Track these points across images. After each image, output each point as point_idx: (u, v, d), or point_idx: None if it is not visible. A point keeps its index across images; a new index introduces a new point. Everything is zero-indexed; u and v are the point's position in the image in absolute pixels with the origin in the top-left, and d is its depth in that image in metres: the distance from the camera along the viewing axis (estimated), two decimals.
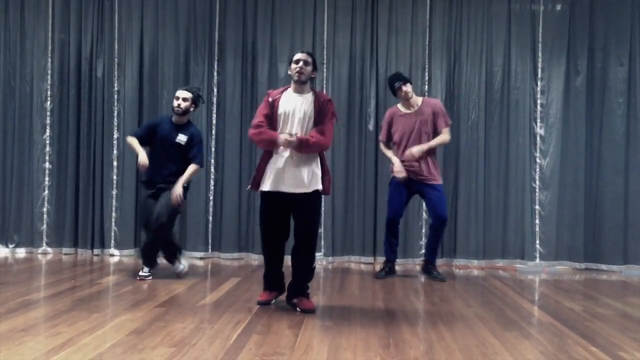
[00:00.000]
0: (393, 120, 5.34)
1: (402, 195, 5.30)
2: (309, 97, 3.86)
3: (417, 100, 5.32)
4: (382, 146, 5.49)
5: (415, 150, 5.13)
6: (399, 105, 5.37)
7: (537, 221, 6.28)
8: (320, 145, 3.80)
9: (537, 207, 6.29)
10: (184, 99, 4.92)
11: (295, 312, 3.85)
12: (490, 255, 6.26)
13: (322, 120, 3.81)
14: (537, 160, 6.32)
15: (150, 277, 4.96)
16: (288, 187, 3.78)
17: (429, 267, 5.44)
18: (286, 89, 3.96)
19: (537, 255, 6.26)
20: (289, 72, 3.91)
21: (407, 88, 5.21)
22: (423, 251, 6.25)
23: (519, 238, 6.27)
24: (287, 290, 4.04)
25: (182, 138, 4.92)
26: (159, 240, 4.92)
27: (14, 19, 6.55)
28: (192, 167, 4.93)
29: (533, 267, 6.19)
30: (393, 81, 5.29)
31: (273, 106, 3.85)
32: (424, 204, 6.30)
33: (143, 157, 4.83)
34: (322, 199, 4.14)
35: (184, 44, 6.45)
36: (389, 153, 5.38)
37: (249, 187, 4.00)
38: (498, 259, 6.26)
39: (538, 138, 6.32)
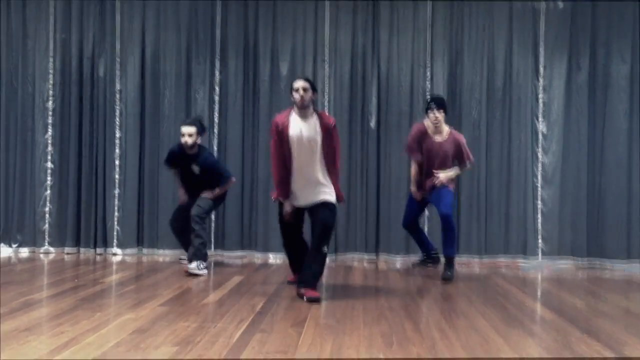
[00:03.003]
0: (421, 139, 5.20)
1: (414, 204, 5.45)
2: (313, 122, 4.24)
3: (445, 129, 5.20)
4: (415, 167, 5.35)
5: (443, 177, 5.13)
6: (427, 125, 5.20)
7: (540, 218, 6.27)
8: (337, 176, 4.42)
9: (539, 203, 6.28)
10: (190, 135, 5.20)
11: (299, 310, 3.85)
12: (493, 252, 6.26)
13: (330, 145, 4.26)
14: (539, 157, 6.31)
15: (205, 272, 5.17)
16: (302, 203, 4.38)
17: (446, 265, 5.20)
18: (290, 112, 4.30)
19: (540, 251, 6.25)
20: (292, 99, 4.25)
21: (439, 115, 5.09)
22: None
23: (522, 235, 6.26)
24: (297, 282, 4.39)
25: (195, 169, 5.34)
26: (190, 226, 5.22)
27: (16, 19, 6.56)
28: (228, 181, 5.47)
29: (536, 264, 6.18)
30: (430, 101, 5.21)
31: (283, 133, 4.22)
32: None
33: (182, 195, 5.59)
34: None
35: (185, 43, 6.45)
36: (414, 176, 5.38)
37: (273, 198, 4.54)
38: (500, 256, 6.25)
39: (540, 135, 6.31)
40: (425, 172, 5.26)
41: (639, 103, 6.19)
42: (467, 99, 6.32)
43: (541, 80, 6.32)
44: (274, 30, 6.42)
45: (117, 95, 6.45)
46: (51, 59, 6.53)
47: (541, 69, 6.32)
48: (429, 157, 5.20)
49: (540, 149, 6.31)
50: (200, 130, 5.30)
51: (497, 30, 6.34)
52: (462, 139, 5.27)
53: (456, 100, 6.33)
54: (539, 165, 6.31)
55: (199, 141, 5.32)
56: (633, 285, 5.27)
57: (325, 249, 4.24)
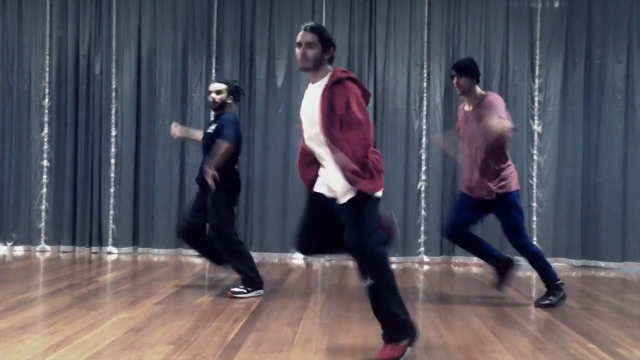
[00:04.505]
0: (458, 116, 4.45)
1: (464, 204, 4.32)
2: (319, 87, 2.92)
3: (477, 96, 4.23)
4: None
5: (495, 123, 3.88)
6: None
7: (535, 218, 6.28)
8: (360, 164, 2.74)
9: (534, 204, 6.29)
10: (218, 92, 4.48)
11: (294, 309, 3.84)
12: None
13: (333, 113, 2.79)
14: (535, 157, 6.32)
15: (246, 294, 4.22)
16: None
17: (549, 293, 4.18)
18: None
19: None
20: None
21: (462, 81, 4.19)
22: (422, 249, 6.27)
23: None
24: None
25: (212, 127, 4.49)
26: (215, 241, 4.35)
27: (12, 16, 6.53)
28: (217, 144, 4.26)
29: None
30: (452, 67, 4.37)
31: None
32: (422, 200, 6.33)
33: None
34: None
35: (181, 40, 6.44)
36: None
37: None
38: None
39: (535, 135, 6.31)
40: (467, 161, 4.26)
41: (634, 103, 6.21)
42: (463, 98, 6.31)
43: (537, 80, 6.33)
44: (271, 28, 6.41)
45: (113, 93, 6.44)
46: (47, 57, 6.51)
47: (537, 69, 6.33)
48: (463, 134, 4.29)
49: (535, 149, 6.32)
50: (233, 91, 4.56)
51: (494, 30, 6.35)
52: (497, 100, 4.12)
53: (452, 98, 6.33)
54: (534, 165, 6.32)
55: (229, 101, 4.52)
56: (628, 285, 5.29)
57: (368, 282, 2.81)
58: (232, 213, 4.51)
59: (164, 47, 6.43)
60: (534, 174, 6.31)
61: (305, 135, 2.96)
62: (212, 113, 4.73)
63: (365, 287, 2.82)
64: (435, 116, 6.32)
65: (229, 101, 4.54)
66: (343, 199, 2.79)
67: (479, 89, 4.25)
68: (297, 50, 2.92)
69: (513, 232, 4.16)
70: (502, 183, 4.10)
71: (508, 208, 4.13)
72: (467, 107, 4.29)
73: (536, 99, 6.32)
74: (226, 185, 4.31)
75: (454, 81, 4.25)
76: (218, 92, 4.50)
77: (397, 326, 2.83)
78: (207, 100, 6.36)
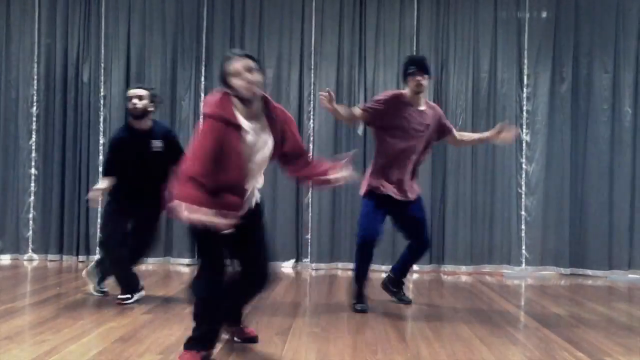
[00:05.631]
0: (397, 107, 4.10)
1: (374, 206, 4.21)
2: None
3: (423, 99, 4.23)
4: (357, 110, 4.19)
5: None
6: (407, 93, 4.16)
7: (523, 226, 6.32)
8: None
9: (523, 212, 6.32)
10: (139, 97, 4.12)
11: (283, 318, 3.83)
12: (478, 260, 6.28)
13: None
14: (523, 166, 6.36)
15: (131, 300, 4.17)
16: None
17: (397, 287, 4.56)
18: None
19: (523, 260, 6.29)
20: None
21: (425, 82, 4.09)
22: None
23: (506, 243, 6.30)
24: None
25: (156, 144, 4.15)
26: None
27: (0, 24, 6.49)
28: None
29: (519, 273, 6.22)
30: (410, 64, 4.16)
31: None
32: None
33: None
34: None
35: (171, 49, 6.43)
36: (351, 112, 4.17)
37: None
38: (485, 265, 6.28)
39: (524, 144, 6.36)
40: (398, 158, 4.15)
41: (620, 112, 6.27)
42: (453, 107, 6.36)
43: (525, 89, 6.38)
44: (260, 37, 6.42)
45: (102, 101, 6.41)
46: (35, 65, 6.47)
47: (525, 79, 6.38)
48: (406, 132, 4.10)
49: (524, 158, 6.36)
50: (154, 97, 4.19)
51: (482, 39, 6.40)
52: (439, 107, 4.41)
53: (441, 107, 6.34)
54: (523, 174, 6.36)
55: (151, 109, 4.16)
56: (615, 294, 5.32)
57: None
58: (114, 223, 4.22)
59: (152, 55, 6.42)
60: (523, 182, 6.35)
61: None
62: (134, 123, 4.20)
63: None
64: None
65: (151, 109, 4.17)
66: None
67: None
68: (249, 76, 2.65)
69: (425, 229, 4.37)
70: (418, 184, 4.38)
71: (423, 207, 4.40)
72: (421, 107, 4.16)
73: (524, 107, 6.37)
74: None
75: (417, 80, 4.06)
76: (140, 97, 4.13)
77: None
78: (196, 108, 6.40)
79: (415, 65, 4.11)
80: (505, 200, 6.32)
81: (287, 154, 2.91)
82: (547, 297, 4.96)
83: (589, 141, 6.30)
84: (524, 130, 6.36)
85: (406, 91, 4.16)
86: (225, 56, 2.77)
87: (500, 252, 6.29)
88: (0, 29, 6.50)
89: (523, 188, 6.34)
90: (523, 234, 6.31)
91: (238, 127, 2.67)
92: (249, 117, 2.71)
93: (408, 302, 4.48)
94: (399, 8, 6.41)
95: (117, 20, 6.45)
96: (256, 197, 2.96)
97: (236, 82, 2.66)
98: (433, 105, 4.34)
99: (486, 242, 6.33)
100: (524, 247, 6.30)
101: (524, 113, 6.37)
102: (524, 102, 6.38)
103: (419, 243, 4.38)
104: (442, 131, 4.33)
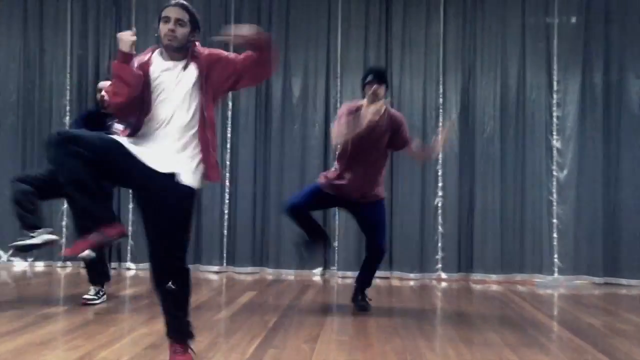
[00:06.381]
0: (357, 116, 4.14)
1: (315, 195, 4.35)
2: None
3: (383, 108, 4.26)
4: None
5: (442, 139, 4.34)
6: (365, 102, 4.23)
7: (555, 235, 6.21)
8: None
9: (554, 220, 6.22)
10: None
11: (312, 326, 3.82)
12: (508, 269, 6.19)
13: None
14: (554, 173, 6.26)
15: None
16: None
17: (358, 296, 4.55)
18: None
19: (556, 269, 6.18)
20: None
21: (380, 91, 4.18)
22: (439, 266, 6.22)
23: (537, 252, 6.20)
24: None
25: (118, 127, 4.24)
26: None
27: (34, 36, 6.66)
28: None
29: (552, 282, 6.11)
30: (368, 73, 4.29)
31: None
32: (439, 216, 6.28)
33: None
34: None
35: None
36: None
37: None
38: (516, 274, 6.18)
39: (555, 151, 6.27)
40: (355, 161, 4.22)
41: None
42: (481, 114, 6.31)
43: (555, 95, 6.30)
44: (286, 46, 6.46)
45: None
46: (68, 75, 6.62)
47: (555, 85, 6.30)
48: (362, 138, 4.12)
49: (554, 165, 6.26)
50: None
51: (510, 45, 6.34)
52: (402, 118, 4.40)
53: (469, 116, 6.33)
54: (554, 181, 6.26)
55: None
56: None
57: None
58: None
59: None
60: (554, 190, 6.24)
61: None
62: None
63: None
64: (451, 132, 6.30)
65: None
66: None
67: None
68: (170, 26, 2.70)
69: (384, 232, 4.41)
70: (382, 188, 4.40)
71: (383, 211, 4.40)
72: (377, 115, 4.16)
73: (555, 114, 6.28)
74: None
75: (373, 88, 4.15)
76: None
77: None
78: (223, 117, 6.45)
79: (373, 74, 4.23)
80: (535, 207, 6.23)
81: None
82: (580, 306, 4.86)
83: (621, 147, 6.17)
84: (555, 137, 6.27)
85: (364, 101, 4.25)
86: (168, 3, 2.78)
87: (532, 260, 6.19)
88: (34, 41, 6.66)
89: (554, 195, 6.24)
90: (555, 242, 6.20)
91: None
92: (168, 59, 2.73)
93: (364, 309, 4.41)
94: (424, 15, 6.40)
95: (147, 32, 6.55)
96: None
97: (161, 27, 2.72)
98: (393, 115, 4.32)
99: (517, 251, 6.23)
100: (556, 256, 6.19)
101: (554, 119, 6.29)
102: (554, 109, 6.29)
103: (372, 248, 4.40)
104: (398, 141, 4.31)
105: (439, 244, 6.25)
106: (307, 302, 4.76)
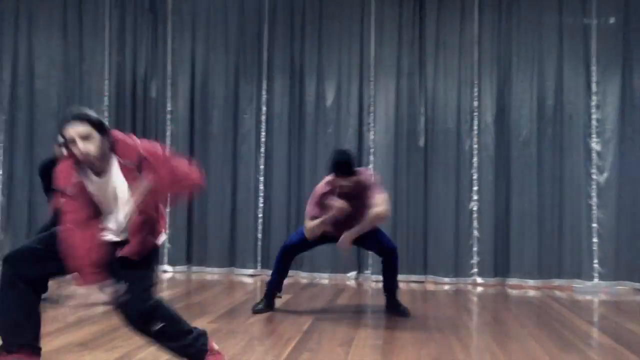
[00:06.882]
0: (327, 196, 4.18)
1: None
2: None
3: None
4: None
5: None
6: (333, 179, 4.16)
7: (595, 239, 6.06)
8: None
9: (594, 224, 6.07)
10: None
11: (346, 329, 3.82)
12: (546, 274, 6.06)
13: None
14: (594, 176, 6.12)
15: None
16: None
17: (393, 303, 4.48)
18: None
19: (596, 275, 6.03)
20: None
21: (345, 182, 4.09)
22: (475, 270, 6.14)
23: (576, 257, 6.06)
24: None
25: None
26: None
27: (73, 42, 6.81)
28: None
29: (591, 287, 5.96)
30: (331, 167, 4.12)
31: None
32: (475, 220, 6.20)
33: None
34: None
35: (233, 63, 6.59)
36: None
37: None
38: (554, 279, 6.05)
39: (594, 154, 6.12)
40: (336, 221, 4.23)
41: None
42: (517, 117, 6.21)
43: (594, 97, 6.16)
44: (320, 50, 6.48)
45: (169, 116, 6.63)
46: (106, 82, 6.76)
47: (593, 86, 6.16)
48: (335, 219, 4.20)
49: (594, 168, 6.12)
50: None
51: (547, 46, 6.22)
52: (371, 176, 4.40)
53: (505, 117, 6.23)
54: (593, 184, 6.11)
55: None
56: None
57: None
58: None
59: (216, 70, 6.60)
60: (594, 193, 6.09)
61: None
62: None
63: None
64: (486, 135, 6.23)
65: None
66: None
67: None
68: (81, 145, 2.51)
69: (383, 235, 4.46)
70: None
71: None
72: (347, 183, 4.07)
73: (594, 116, 6.14)
74: None
75: (339, 179, 4.06)
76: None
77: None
78: (257, 122, 6.51)
79: (335, 169, 4.06)
80: (574, 211, 6.09)
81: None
82: (622, 313, 4.74)
83: None
84: (594, 140, 6.13)
85: (331, 177, 4.13)
86: (64, 118, 2.64)
87: (571, 265, 6.05)
88: (73, 48, 6.83)
89: (594, 199, 6.09)
90: (595, 247, 6.05)
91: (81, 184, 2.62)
92: (95, 173, 2.64)
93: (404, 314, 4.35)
94: (459, 16, 6.33)
95: (182, 38, 6.67)
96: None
97: (73, 149, 2.54)
98: (359, 180, 4.11)
99: (555, 255, 6.10)
100: (596, 261, 6.04)
101: (593, 122, 6.14)
102: (593, 110, 6.15)
103: (383, 253, 4.39)
104: (365, 201, 4.13)
105: (474, 248, 6.17)
106: (341, 305, 4.75)
